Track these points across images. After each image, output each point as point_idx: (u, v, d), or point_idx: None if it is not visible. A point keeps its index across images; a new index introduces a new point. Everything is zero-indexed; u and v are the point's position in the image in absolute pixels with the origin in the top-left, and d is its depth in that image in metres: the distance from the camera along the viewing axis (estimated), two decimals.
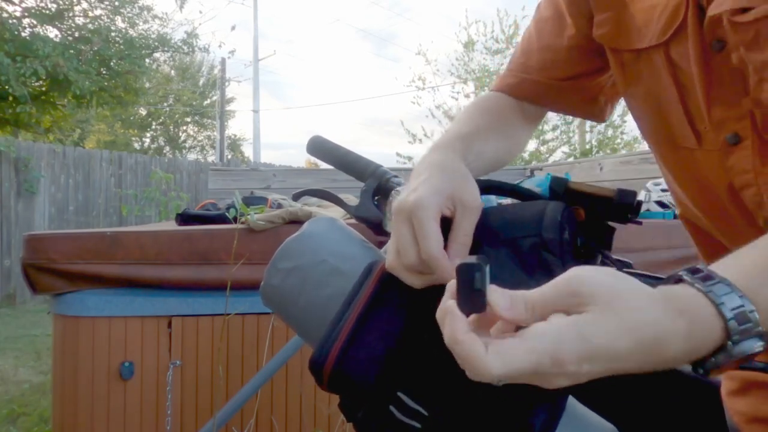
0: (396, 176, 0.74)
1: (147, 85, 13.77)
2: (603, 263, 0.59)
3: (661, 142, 0.69)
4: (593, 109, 0.81)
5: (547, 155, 11.27)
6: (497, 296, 0.39)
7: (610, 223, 0.59)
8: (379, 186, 0.73)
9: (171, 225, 2.25)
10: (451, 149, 0.64)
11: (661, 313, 0.38)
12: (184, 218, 2.20)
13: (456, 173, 0.59)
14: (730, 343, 0.39)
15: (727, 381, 0.69)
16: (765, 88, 0.53)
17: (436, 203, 0.54)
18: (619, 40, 0.67)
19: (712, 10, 0.54)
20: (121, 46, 9.51)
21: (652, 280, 0.43)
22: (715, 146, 0.60)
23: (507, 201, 0.76)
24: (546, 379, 0.38)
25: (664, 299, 0.39)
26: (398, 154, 11.84)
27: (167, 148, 21.81)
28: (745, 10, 0.51)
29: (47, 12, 9.25)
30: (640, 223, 0.58)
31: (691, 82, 0.60)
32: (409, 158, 11.72)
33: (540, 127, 9.79)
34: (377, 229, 0.69)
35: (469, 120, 0.75)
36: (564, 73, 0.77)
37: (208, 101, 21.45)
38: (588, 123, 10.26)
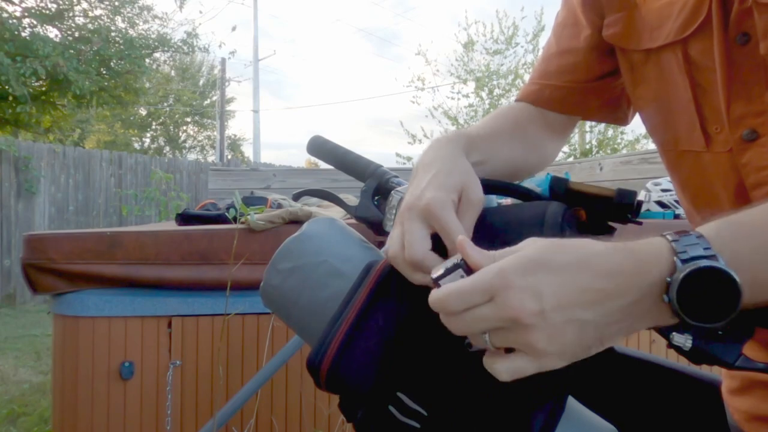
0: (396, 176, 0.74)
1: (147, 85, 13.75)
2: None
3: (666, 146, 0.69)
4: (616, 112, 0.80)
5: None
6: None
7: (611, 224, 0.59)
8: (379, 186, 0.73)
9: (171, 225, 2.24)
10: (455, 144, 0.64)
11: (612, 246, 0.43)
12: (184, 218, 2.20)
13: (462, 167, 0.60)
14: (676, 258, 0.40)
15: (727, 380, 0.69)
16: None
17: (451, 200, 0.55)
18: (630, 40, 0.67)
19: None
20: (121, 46, 9.50)
21: None
22: (725, 147, 0.60)
23: (507, 201, 0.75)
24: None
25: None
26: (398, 155, 11.86)
27: (167, 148, 21.80)
28: None
29: (47, 12, 9.24)
30: (640, 224, 0.58)
31: (708, 80, 0.60)
32: (409, 158, 11.73)
33: None
34: (377, 229, 0.69)
35: (481, 124, 0.75)
36: (584, 76, 0.77)
37: (208, 101, 21.44)
38: (588, 123, 10.26)
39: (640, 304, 0.41)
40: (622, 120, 0.81)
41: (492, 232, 0.55)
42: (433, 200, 0.54)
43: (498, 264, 0.42)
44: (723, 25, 0.58)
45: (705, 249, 0.40)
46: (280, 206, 2.33)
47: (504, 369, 0.42)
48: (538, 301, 0.40)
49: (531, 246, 0.43)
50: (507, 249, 0.44)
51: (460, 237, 0.45)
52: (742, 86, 0.58)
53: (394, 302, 0.53)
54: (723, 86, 0.58)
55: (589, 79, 0.77)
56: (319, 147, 0.82)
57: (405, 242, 0.53)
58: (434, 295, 0.43)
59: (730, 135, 0.59)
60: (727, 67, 0.58)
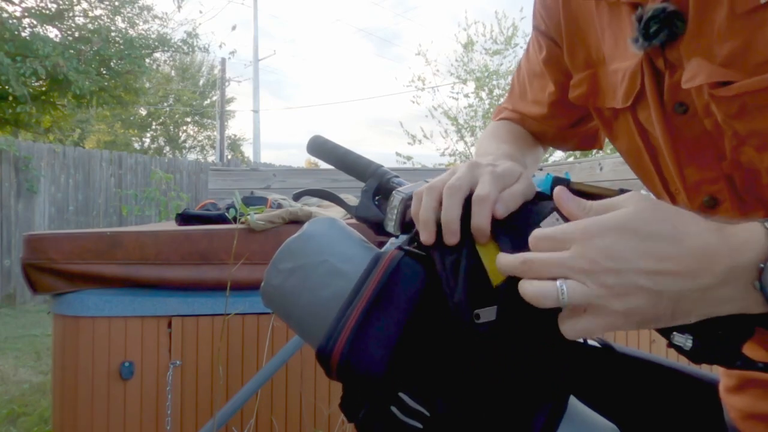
0: (397, 176, 0.74)
1: (147, 85, 13.76)
2: None
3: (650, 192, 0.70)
4: (594, 143, 0.83)
5: (547, 155, 11.27)
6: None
7: None
8: (379, 186, 0.73)
9: (171, 225, 2.24)
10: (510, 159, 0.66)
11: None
12: (184, 218, 2.20)
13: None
14: None
15: (724, 378, 0.69)
16: (745, 150, 0.52)
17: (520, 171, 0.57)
18: (596, 99, 0.68)
19: (686, 84, 0.53)
20: (121, 46, 9.50)
21: None
22: (685, 208, 0.60)
23: None
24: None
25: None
26: (398, 154, 11.86)
27: (167, 148, 21.80)
28: (723, 84, 0.50)
29: (47, 12, 9.25)
30: None
31: (659, 145, 0.60)
32: (409, 158, 11.72)
33: None
34: (378, 229, 0.69)
35: (504, 147, 0.76)
36: (555, 124, 0.80)
37: (208, 101, 21.44)
38: None
39: (727, 288, 0.40)
40: (601, 146, 0.85)
41: (500, 223, 0.55)
42: (507, 167, 0.56)
43: (588, 220, 0.43)
44: (658, 96, 0.57)
45: None
46: (280, 206, 2.33)
47: (569, 328, 0.42)
48: (613, 260, 0.40)
49: (628, 208, 0.42)
50: (604, 201, 0.44)
51: (558, 187, 0.47)
52: (690, 153, 0.57)
53: (404, 293, 0.52)
54: (669, 153, 0.58)
55: (561, 128, 0.81)
56: (319, 147, 0.82)
57: (455, 180, 0.54)
58: (532, 236, 0.45)
59: (688, 200, 0.59)
60: (670, 135, 0.58)
